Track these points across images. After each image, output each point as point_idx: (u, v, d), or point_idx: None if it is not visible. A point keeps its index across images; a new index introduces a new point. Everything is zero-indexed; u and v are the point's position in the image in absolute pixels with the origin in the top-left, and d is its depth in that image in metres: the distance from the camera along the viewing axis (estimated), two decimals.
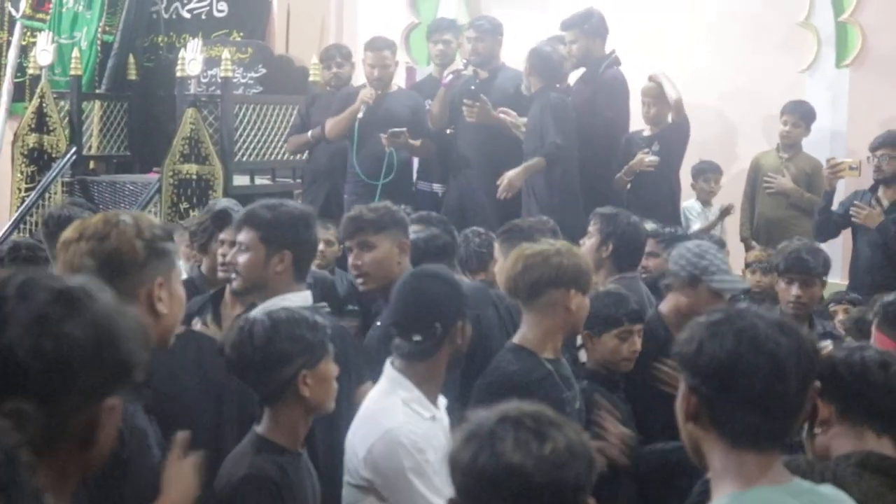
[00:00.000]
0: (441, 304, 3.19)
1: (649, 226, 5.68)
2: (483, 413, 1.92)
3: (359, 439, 3.19)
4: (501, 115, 6.93)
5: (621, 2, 8.38)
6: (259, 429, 2.95)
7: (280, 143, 8.64)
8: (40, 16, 9.99)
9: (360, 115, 7.22)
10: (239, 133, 8.47)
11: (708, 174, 7.90)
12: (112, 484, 2.31)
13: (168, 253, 2.58)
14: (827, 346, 2.60)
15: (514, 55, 7.18)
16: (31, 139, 9.02)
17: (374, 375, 3.41)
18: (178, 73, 8.43)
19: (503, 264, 3.98)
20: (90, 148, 9.35)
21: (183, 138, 8.20)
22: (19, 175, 9.09)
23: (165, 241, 2.59)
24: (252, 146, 8.60)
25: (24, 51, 9.92)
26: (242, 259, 3.63)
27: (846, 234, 7.11)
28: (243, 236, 3.64)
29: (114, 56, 9.53)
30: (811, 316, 4.84)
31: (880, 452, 2.43)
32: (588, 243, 5.01)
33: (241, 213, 3.80)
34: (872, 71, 8.22)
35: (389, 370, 3.23)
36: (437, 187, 7.57)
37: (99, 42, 9.55)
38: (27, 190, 8.94)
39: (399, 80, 8.17)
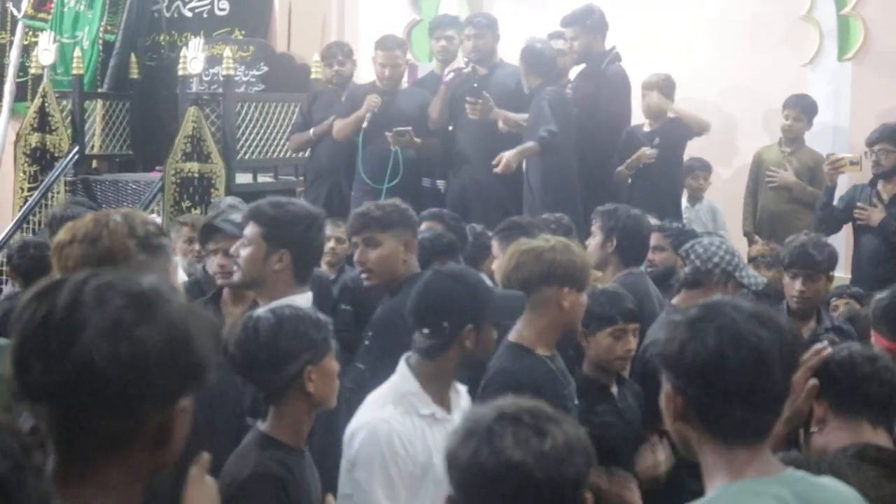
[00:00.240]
0: (451, 304, 3.16)
1: (652, 221, 5.68)
2: (480, 410, 1.92)
3: (351, 425, 3.19)
4: (501, 124, 6.92)
5: None
6: (262, 426, 2.95)
7: (282, 141, 8.64)
8: (42, 15, 10.01)
9: (364, 124, 7.25)
10: (241, 131, 8.47)
11: (697, 171, 7.89)
12: None
13: (162, 248, 2.57)
14: (824, 346, 2.60)
15: (515, 52, 7.17)
16: (34, 139, 9.03)
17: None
18: (180, 72, 8.44)
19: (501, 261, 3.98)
20: (92, 147, 9.37)
21: (185, 137, 8.21)
22: (22, 175, 9.10)
23: (158, 237, 2.58)
24: (254, 144, 8.61)
25: (26, 50, 9.94)
26: (244, 253, 3.64)
27: (848, 228, 7.11)
28: (247, 230, 3.66)
29: (116, 55, 9.54)
30: (819, 309, 4.83)
31: (877, 444, 2.46)
32: (592, 242, 5.02)
33: (248, 207, 3.80)
34: (874, 65, 8.22)
35: (401, 364, 3.22)
36: (439, 184, 7.58)
37: (101, 41, 9.56)
38: (30, 189, 8.95)
39: None
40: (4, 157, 9.59)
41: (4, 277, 8.10)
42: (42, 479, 1.34)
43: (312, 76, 8.64)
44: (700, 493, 2.01)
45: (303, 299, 3.54)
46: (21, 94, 9.93)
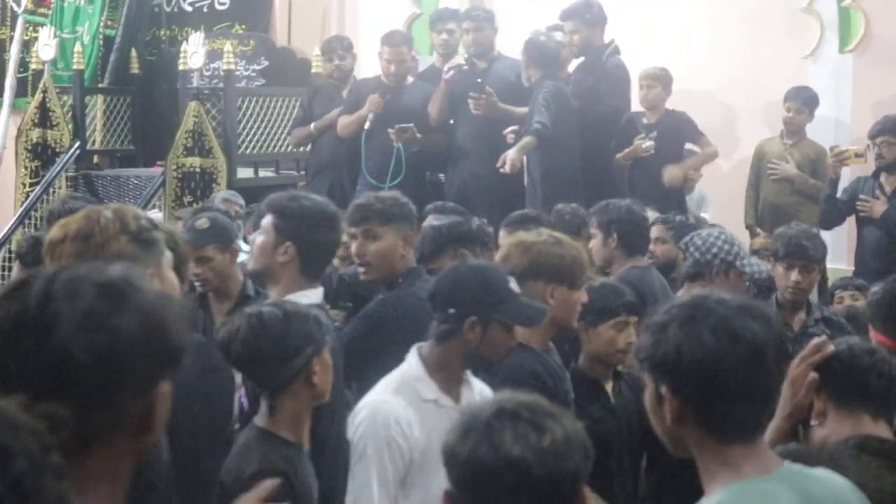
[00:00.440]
0: (460, 292, 3.14)
1: (651, 213, 5.68)
2: (478, 405, 1.92)
3: (356, 406, 3.20)
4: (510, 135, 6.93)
5: None
6: (261, 422, 2.95)
7: (283, 136, 8.65)
8: (42, 11, 10.02)
9: (366, 125, 7.26)
10: (242, 126, 8.48)
11: None
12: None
13: (155, 242, 2.56)
14: (823, 341, 2.60)
15: (514, 45, 7.17)
16: (35, 134, 9.04)
17: None
18: (181, 67, 8.44)
19: None
20: (94, 142, 9.38)
21: (186, 131, 8.22)
22: (23, 170, 9.11)
23: (151, 231, 2.57)
24: (255, 139, 8.61)
25: (27, 46, 9.94)
26: (258, 241, 3.66)
27: (851, 221, 7.10)
28: (264, 220, 3.67)
29: (116, 50, 9.55)
30: (808, 301, 4.84)
31: (878, 435, 2.47)
32: (594, 242, 5.02)
33: (267, 198, 3.83)
34: (876, 56, 8.21)
35: (412, 351, 3.22)
36: (442, 177, 7.59)
37: (101, 36, 9.57)
38: (31, 185, 8.96)
39: None
40: (6, 152, 9.59)
41: (7, 273, 8.11)
42: (61, 481, 1.32)
43: (313, 70, 8.65)
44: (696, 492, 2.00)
45: (312, 295, 3.55)
46: (22, 89, 9.94)
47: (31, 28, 9.98)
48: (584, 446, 1.88)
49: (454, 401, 3.16)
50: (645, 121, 7.37)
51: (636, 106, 7.40)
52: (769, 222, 7.53)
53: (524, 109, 6.92)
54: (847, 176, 7.21)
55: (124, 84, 9.55)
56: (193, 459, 2.93)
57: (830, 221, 7.04)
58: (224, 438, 3.12)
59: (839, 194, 6.96)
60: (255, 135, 8.60)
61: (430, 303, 3.22)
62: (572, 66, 7.44)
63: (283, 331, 2.89)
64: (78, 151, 8.97)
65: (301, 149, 8.32)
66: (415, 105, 7.36)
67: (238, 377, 3.18)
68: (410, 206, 4.21)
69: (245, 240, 6.44)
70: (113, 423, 1.55)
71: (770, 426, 2.59)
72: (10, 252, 7.95)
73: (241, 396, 3.31)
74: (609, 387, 4.00)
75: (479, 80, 7.09)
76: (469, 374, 3.23)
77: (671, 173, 7.07)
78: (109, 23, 9.61)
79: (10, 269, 7.96)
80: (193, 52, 8.30)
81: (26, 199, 8.80)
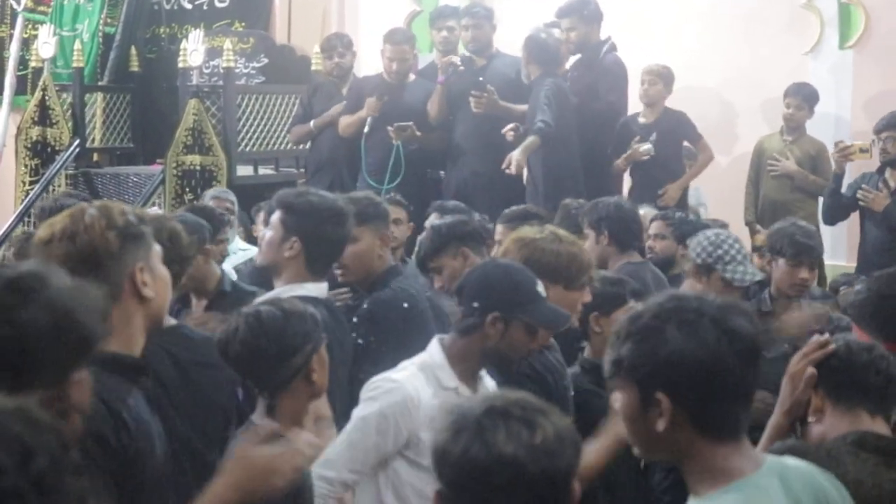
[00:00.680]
0: (487, 287, 3.13)
1: (650, 210, 5.68)
2: (467, 403, 1.91)
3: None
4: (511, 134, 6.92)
5: None
6: (258, 421, 2.94)
7: (283, 133, 8.64)
8: (42, 8, 10.01)
9: (366, 129, 7.25)
10: (242, 123, 8.48)
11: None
12: (119, 479, 2.30)
13: (143, 236, 2.55)
14: (825, 338, 2.60)
15: (512, 42, 7.16)
16: (35, 132, 9.04)
17: None
18: (181, 64, 8.44)
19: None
20: (93, 140, 9.38)
21: (186, 129, 8.22)
22: (23, 168, 9.12)
23: (138, 226, 2.56)
24: (255, 136, 8.61)
25: (26, 44, 9.93)
26: (266, 236, 3.69)
27: (854, 216, 7.09)
28: (273, 215, 3.69)
29: (116, 48, 9.55)
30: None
31: (876, 432, 2.47)
32: (588, 242, 5.01)
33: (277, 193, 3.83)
34: (876, 52, 8.19)
35: (434, 341, 3.21)
36: (442, 174, 7.59)
37: (101, 34, 9.56)
38: (31, 183, 8.97)
39: None
40: (5, 150, 9.59)
41: None
42: (81, 478, 1.33)
43: (313, 68, 8.64)
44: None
45: (311, 288, 3.56)
46: (21, 87, 9.93)
47: (30, 26, 9.98)
48: (575, 442, 1.88)
49: (472, 392, 3.15)
50: (642, 120, 7.34)
51: (634, 102, 7.39)
52: (769, 219, 7.50)
53: (524, 107, 6.92)
54: (852, 171, 7.20)
55: (124, 82, 9.55)
56: (191, 456, 2.92)
57: (834, 217, 7.03)
58: (223, 436, 3.11)
59: (843, 190, 6.96)
60: (254, 132, 8.60)
61: (458, 296, 3.22)
62: (569, 62, 7.44)
63: (282, 329, 2.88)
64: (77, 149, 8.97)
65: (301, 146, 8.32)
66: (416, 103, 7.36)
67: None
68: (384, 205, 4.20)
69: (241, 236, 6.43)
70: None
71: (769, 422, 2.59)
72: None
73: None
74: None
75: (481, 79, 7.08)
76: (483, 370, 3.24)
77: (670, 196, 7.08)
78: (109, 20, 9.61)
79: None
80: (193, 49, 8.30)
81: (26, 196, 8.81)
